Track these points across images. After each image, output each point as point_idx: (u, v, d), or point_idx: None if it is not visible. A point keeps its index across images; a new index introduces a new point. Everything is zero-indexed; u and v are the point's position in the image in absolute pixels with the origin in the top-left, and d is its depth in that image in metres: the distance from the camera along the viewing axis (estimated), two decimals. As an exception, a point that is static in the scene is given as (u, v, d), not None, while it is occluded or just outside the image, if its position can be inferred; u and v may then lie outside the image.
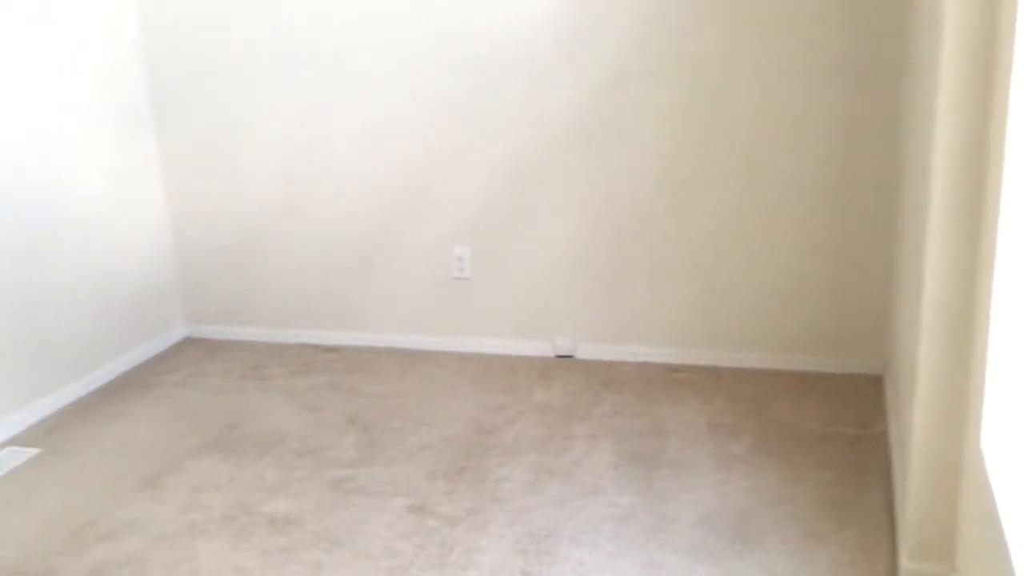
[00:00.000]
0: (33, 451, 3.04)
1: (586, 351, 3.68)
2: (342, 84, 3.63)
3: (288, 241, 3.87)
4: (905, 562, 2.15)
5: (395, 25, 3.52)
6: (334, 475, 2.82)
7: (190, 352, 3.91)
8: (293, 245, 3.87)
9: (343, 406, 3.32)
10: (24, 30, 3.17)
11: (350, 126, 3.67)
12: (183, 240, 3.98)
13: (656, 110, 3.37)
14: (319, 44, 3.61)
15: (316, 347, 3.89)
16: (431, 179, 3.64)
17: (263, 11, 3.63)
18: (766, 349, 3.50)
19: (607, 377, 3.50)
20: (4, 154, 3.11)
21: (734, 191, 3.39)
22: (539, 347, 3.72)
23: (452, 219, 3.66)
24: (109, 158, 3.61)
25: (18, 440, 3.13)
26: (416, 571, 2.31)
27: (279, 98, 3.70)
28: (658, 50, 3.32)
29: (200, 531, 2.53)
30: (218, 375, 3.64)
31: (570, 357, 3.70)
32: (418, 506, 2.62)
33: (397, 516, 2.57)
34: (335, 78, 3.63)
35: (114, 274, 3.64)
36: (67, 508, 2.69)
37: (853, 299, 3.38)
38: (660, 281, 3.54)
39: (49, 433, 3.18)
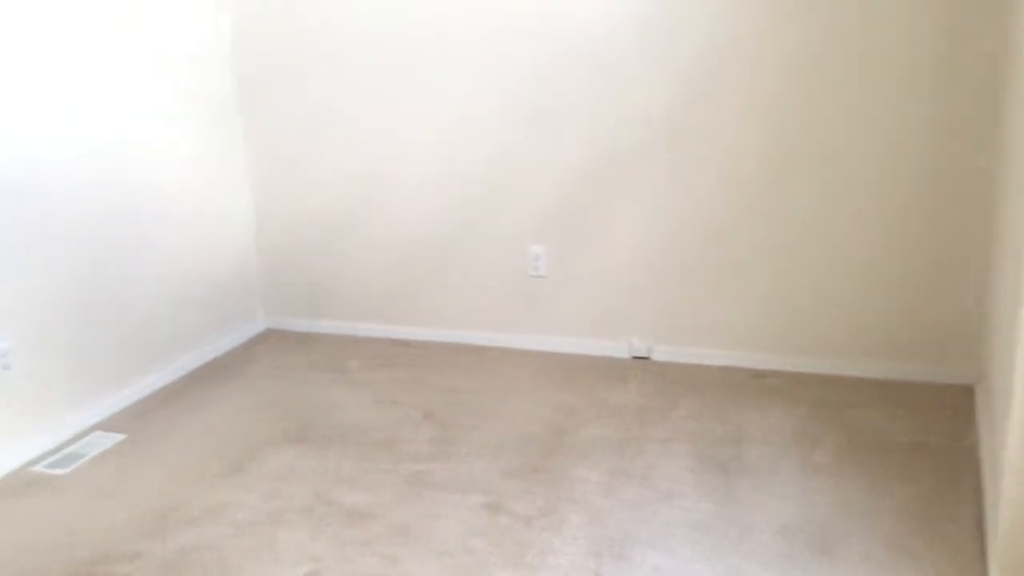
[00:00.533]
0: (120, 436, 3.13)
1: (663, 353, 3.64)
2: (422, 82, 3.65)
3: (366, 237, 3.91)
4: (997, 582, 2.07)
5: (473, 23, 3.52)
6: (410, 469, 2.84)
7: (271, 343, 3.98)
8: (371, 241, 3.91)
9: (419, 401, 3.34)
10: (117, 23, 3.26)
11: (429, 124, 3.69)
12: (266, 234, 4.06)
13: (739, 108, 3.31)
14: (400, 43, 3.64)
15: (392, 341, 3.93)
16: (508, 176, 3.64)
17: (348, 11, 3.67)
18: (852, 355, 3.41)
19: (685, 380, 3.45)
20: (99, 146, 3.20)
21: (821, 191, 3.31)
22: (615, 347, 3.69)
23: (529, 217, 3.66)
24: (198, 152, 3.70)
25: (106, 425, 3.23)
26: (491, 569, 2.31)
27: (361, 96, 3.75)
28: (742, 48, 3.25)
29: (280, 520, 2.58)
30: (298, 367, 3.70)
31: (646, 359, 3.66)
32: (493, 503, 2.62)
33: (472, 512, 2.58)
34: (415, 76, 3.65)
35: (200, 265, 3.73)
36: (152, 493, 2.77)
37: (945, 306, 3.27)
38: (742, 282, 3.47)
39: (136, 419, 3.27)
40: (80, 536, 2.54)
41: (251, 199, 4.02)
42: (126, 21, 3.28)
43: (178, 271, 3.61)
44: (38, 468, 2.93)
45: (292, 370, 3.67)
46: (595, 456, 2.88)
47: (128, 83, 3.31)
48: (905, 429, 3.00)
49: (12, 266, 2.89)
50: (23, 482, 2.85)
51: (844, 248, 3.33)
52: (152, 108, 3.44)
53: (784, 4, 3.18)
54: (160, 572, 2.36)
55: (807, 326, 3.44)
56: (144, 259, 3.43)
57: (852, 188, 3.27)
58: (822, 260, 3.37)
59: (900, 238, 3.26)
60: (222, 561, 2.40)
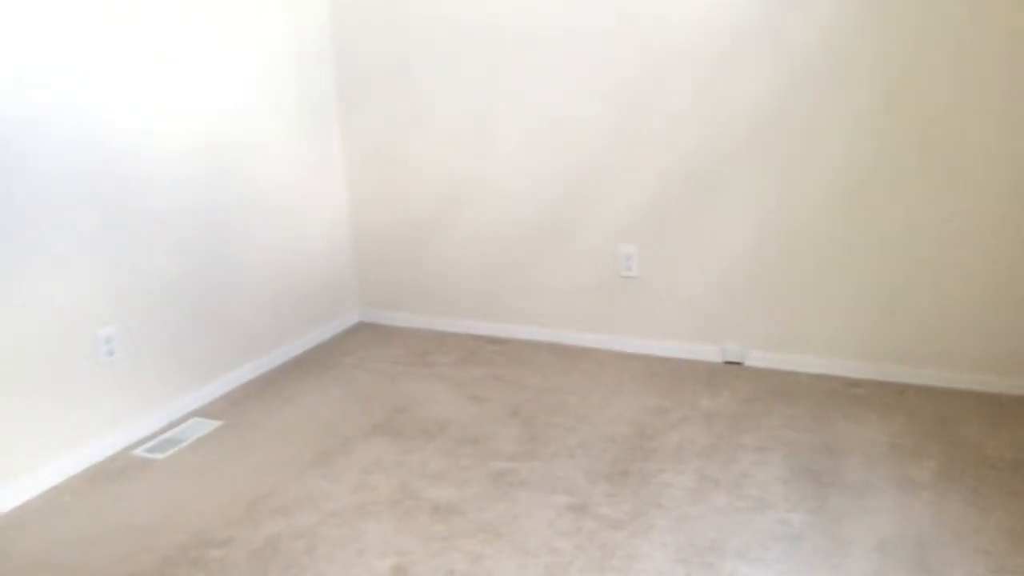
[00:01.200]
0: (217, 423, 3.22)
1: (757, 359, 3.55)
2: (519, 80, 3.65)
3: (457, 233, 3.93)
4: (1115, 613, 1.95)
5: (570, 23, 3.50)
6: (496, 467, 2.84)
7: (363, 336, 4.04)
8: (462, 237, 3.93)
9: (506, 398, 3.33)
10: (222, 17, 3.34)
11: (522, 121, 3.68)
12: (360, 228, 4.12)
13: (839, 113, 3.20)
14: (498, 40, 3.64)
15: (480, 338, 3.94)
16: (601, 175, 3.61)
17: (448, 8, 3.69)
18: (954, 366, 3.27)
19: (779, 387, 3.36)
20: (202, 140, 3.29)
21: (922, 197, 3.18)
22: (707, 351, 3.62)
23: (620, 217, 3.62)
24: (297, 146, 3.77)
25: (203, 412, 3.32)
26: (575, 572, 2.29)
27: (456, 93, 3.76)
28: (843, 51, 3.15)
29: (368, 512, 2.60)
30: (388, 360, 3.75)
31: (739, 364, 3.58)
32: (578, 505, 2.60)
33: (557, 513, 2.56)
34: (512, 74, 3.65)
35: (297, 259, 3.81)
36: (245, 480, 2.83)
37: (1058, 318, 3.11)
38: (839, 289, 3.37)
39: (232, 407, 3.36)
40: (174, 520, 2.61)
41: (346, 194, 4.09)
42: (230, 16, 3.36)
43: (275, 264, 3.69)
44: (137, 452, 3.03)
45: (383, 363, 3.72)
46: (684, 461, 2.82)
47: (230, 78, 3.40)
48: (1010, 445, 2.86)
49: (118, 256, 2.99)
50: (122, 465, 2.95)
51: (946, 255, 3.20)
52: (254, 103, 3.52)
53: (892, 4, 3.06)
54: (250, 558, 2.41)
55: (906, 335, 3.31)
56: (243, 252, 3.52)
57: (957, 194, 3.13)
58: (924, 268, 3.24)
59: (1005, 245, 3.11)
60: (311, 550, 2.43)
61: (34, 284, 2.73)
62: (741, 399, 3.26)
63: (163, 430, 3.17)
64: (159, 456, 2.99)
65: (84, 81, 2.83)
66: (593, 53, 3.50)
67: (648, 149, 3.51)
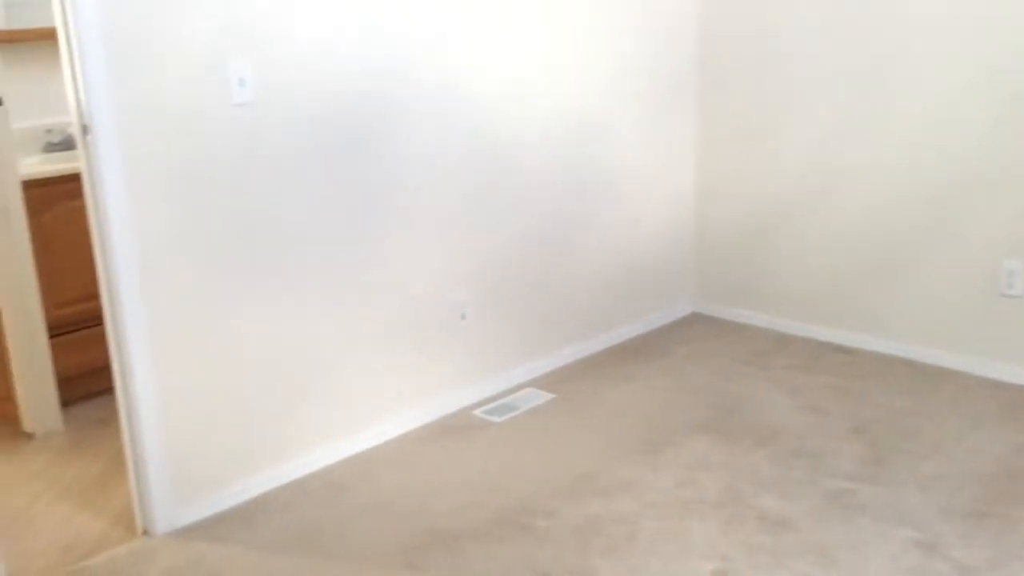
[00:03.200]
0: (550, 395, 3.31)
1: None
2: (892, 71, 3.33)
3: (811, 230, 3.70)
4: None
5: (960, 11, 3.12)
6: (833, 485, 2.64)
7: (697, 328, 3.95)
8: (816, 235, 3.69)
9: (849, 412, 3.09)
10: (597, 2, 3.39)
11: (898, 117, 3.37)
12: (704, 216, 4.02)
13: None
14: (872, 27, 3.35)
15: (824, 344, 3.69)
16: (983, 179, 3.20)
17: (824, -12, 3.47)
18: None
19: None
20: (558, 119, 3.37)
21: None
22: (1099, 391, 3.11)
23: (1005, 227, 3.19)
24: (650, 129, 3.75)
25: (538, 383, 3.42)
26: (919, 616, 2.06)
27: (828, 82, 3.52)
28: None
29: (692, 509, 2.53)
30: (722, 356, 3.63)
31: None
32: (927, 543, 2.34)
33: (901, 548, 2.32)
34: (885, 64, 3.34)
35: (637, 243, 3.80)
36: (572, 456, 2.87)
37: None
38: None
39: (564, 382, 3.43)
40: (505, 483, 2.72)
41: (693, 177, 4.00)
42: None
43: (616, 246, 3.71)
44: (477, 413, 3.19)
45: (716, 358, 3.61)
46: (1061, 515, 2.45)
47: (593, 54, 3.44)
48: None
49: (473, 228, 3.16)
50: (463, 423, 3.12)
51: None
52: (612, 82, 3.54)
53: None
54: (572, 534, 2.44)
55: None
56: (587, 232, 3.57)
57: None
58: None
59: None
60: (631, 537, 2.41)
61: (413, 248, 2.96)
62: None
63: (501, 395, 3.32)
64: (496, 419, 3.13)
65: (462, 63, 3.00)
66: (984, 44, 3.10)
67: (1050, 152, 3.06)
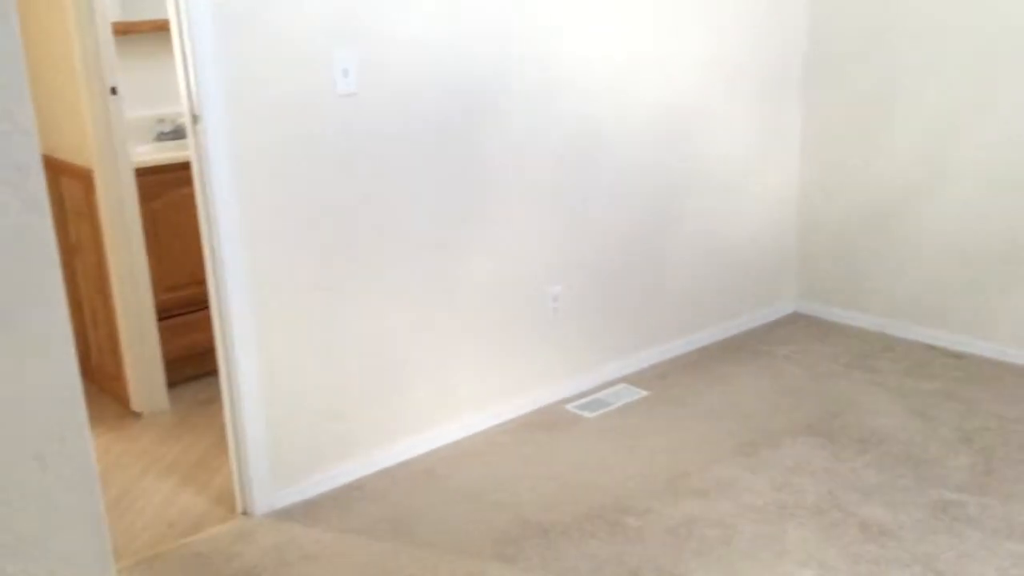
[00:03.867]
0: (643, 392, 3.26)
1: None
2: (1010, 66, 3.16)
3: (921, 229, 3.55)
4: None
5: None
6: (939, 495, 2.53)
7: (798, 328, 3.84)
8: (926, 234, 3.54)
9: (959, 420, 2.96)
10: (700, -3, 3.32)
11: (1013, 111, 3.19)
12: (808, 213, 3.90)
13: None
14: (988, 22, 3.18)
15: (934, 348, 3.54)
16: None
17: (941, -24, 3.31)
18: None
19: None
20: (659, 111, 3.31)
21: None
22: None
23: None
24: (752, 121, 3.65)
25: (631, 379, 3.38)
26: (1034, 638, 1.96)
27: (944, 77, 3.37)
28: None
29: (790, 514, 2.46)
30: (824, 357, 3.52)
31: None
32: (1042, 560, 2.22)
33: (1013, 563, 2.21)
34: (1002, 60, 3.18)
35: (737, 239, 3.71)
36: (667, 454, 2.83)
37: None
38: None
39: (658, 379, 3.38)
40: (597, 480, 2.69)
41: (798, 173, 3.89)
42: (706, -9, 3.33)
43: (714, 242, 3.63)
44: (569, 407, 3.17)
45: (818, 360, 3.50)
46: None
47: (700, 46, 3.36)
48: None
49: (568, 221, 3.13)
50: (555, 417, 3.11)
51: None
52: (717, 74, 3.45)
53: None
54: (666, 534, 2.40)
55: None
56: (684, 227, 3.50)
57: None
58: None
59: None
60: (726, 540, 2.36)
61: (508, 240, 2.96)
62: None
63: (593, 390, 3.29)
64: (588, 415, 3.11)
65: (564, 54, 2.98)
66: None
67: None
